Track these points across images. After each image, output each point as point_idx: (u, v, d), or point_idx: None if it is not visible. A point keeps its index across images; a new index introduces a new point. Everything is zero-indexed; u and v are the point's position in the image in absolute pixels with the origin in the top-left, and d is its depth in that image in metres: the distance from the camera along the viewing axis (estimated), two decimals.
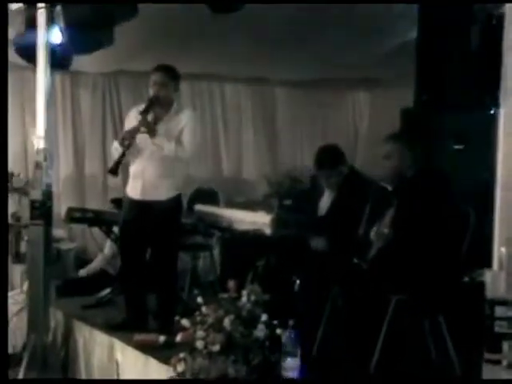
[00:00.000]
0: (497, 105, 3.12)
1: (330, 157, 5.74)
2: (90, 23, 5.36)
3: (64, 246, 8.04)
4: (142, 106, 5.74)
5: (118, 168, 5.63)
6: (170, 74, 5.76)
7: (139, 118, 5.65)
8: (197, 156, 5.85)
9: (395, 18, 6.92)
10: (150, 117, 5.66)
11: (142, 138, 5.63)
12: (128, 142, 5.59)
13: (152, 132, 5.57)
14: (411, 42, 6.97)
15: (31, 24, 5.55)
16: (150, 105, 5.67)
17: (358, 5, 6.48)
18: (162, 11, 6.32)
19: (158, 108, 5.72)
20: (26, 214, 5.61)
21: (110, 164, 5.75)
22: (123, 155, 5.60)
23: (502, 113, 3.07)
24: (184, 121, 5.74)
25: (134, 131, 5.61)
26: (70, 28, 5.42)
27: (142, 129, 5.58)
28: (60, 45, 5.57)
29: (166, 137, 5.61)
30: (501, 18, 3.22)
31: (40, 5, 5.39)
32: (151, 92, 5.74)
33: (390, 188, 5.07)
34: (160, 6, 6.19)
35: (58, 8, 5.33)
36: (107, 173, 5.89)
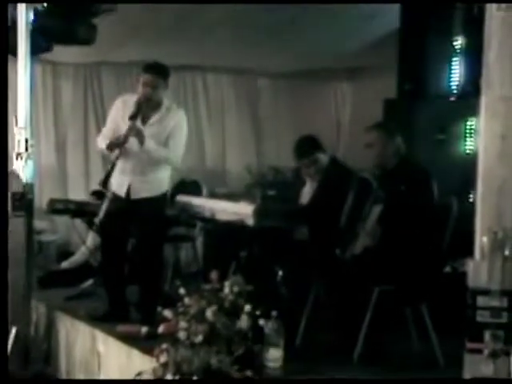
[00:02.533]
0: (477, 94, 3.11)
1: (306, 146, 5.75)
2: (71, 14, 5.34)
3: (46, 237, 8.01)
4: (128, 96, 5.71)
5: (108, 181, 5.56)
6: (161, 74, 5.62)
7: (128, 123, 5.52)
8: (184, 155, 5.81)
9: (377, 7, 6.95)
10: (138, 123, 5.59)
11: (130, 142, 5.55)
12: (118, 150, 5.51)
13: (141, 138, 5.51)
14: (394, 33, 7.04)
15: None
16: (138, 109, 5.54)
17: None
18: (146, 1, 6.32)
19: (147, 108, 5.64)
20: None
21: (92, 156, 5.72)
22: (113, 166, 5.52)
23: (483, 102, 3.07)
24: (174, 121, 5.68)
25: (124, 139, 5.50)
26: (51, 19, 5.40)
27: (131, 136, 5.51)
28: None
29: (155, 140, 5.56)
30: (481, 8, 3.21)
31: None
32: (140, 92, 5.63)
33: (370, 178, 5.07)
34: None
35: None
36: (98, 185, 5.80)
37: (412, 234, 4.83)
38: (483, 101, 3.06)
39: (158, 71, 5.63)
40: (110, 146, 5.58)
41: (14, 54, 5.46)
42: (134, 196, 5.69)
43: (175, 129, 5.67)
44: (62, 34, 5.68)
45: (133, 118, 5.53)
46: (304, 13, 7.04)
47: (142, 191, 5.69)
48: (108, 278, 5.92)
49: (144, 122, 5.63)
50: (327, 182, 5.56)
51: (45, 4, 5.33)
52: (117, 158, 5.53)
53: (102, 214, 5.96)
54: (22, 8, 5.35)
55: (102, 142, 5.70)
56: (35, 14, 5.38)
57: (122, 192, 5.72)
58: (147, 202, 5.67)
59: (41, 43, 5.84)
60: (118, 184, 5.75)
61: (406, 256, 4.79)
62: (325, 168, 5.66)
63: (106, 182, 5.57)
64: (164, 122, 5.67)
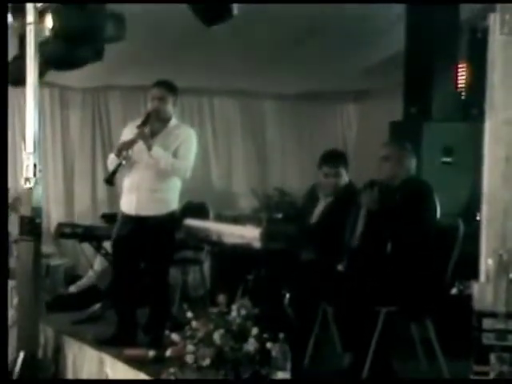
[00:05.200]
0: (482, 117, 3.13)
1: (336, 156, 5.85)
2: (78, 39, 5.38)
3: (54, 261, 8.01)
4: (139, 120, 5.75)
5: (113, 178, 5.66)
6: (169, 89, 5.76)
7: (136, 131, 5.64)
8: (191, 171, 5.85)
9: (383, 30, 6.98)
10: (146, 130, 5.66)
11: (137, 151, 5.63)
12: (125, 152, 5.59)
13: (149, 144, 5.57)
14: (400, 55, 7.07)
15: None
16: (147, 118, 5.67)
17: (347, 18, 6.53)
18: (151, 25, 6.35)
19: (156, 122, 5.73)
20: (15, 230, 5.58)
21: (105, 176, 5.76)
22: (120, 165, 5.61)
23: (488, 125, 3.08)
24: (182, 137, 5.75)
25: (131, 143, 5.61)
26: (59, 43, 5.44)
27: (139, 141, 5.58)
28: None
29: (163, 149, 5.62)
30: (485, 31, 3.24)
31: (29, 21, 5.38)
32: (150, 106, 5.75)
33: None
34: (149, 21, 6.22)
35: (48, 23, 5.33)
36: (104, 182, 5.89)
37: (418, 255, 4.84)
38: (487, 124, 3.08)
39: (167, 86, 5.75)
40: (118, 150, 5.63)
41: (20, 82, 5.49)
42: (142, 212, 5.71)
43: (184, 142, 5.75)
44: (68, 60, 5.71)
45: (141, 126, 5.61)
46: (309, 35, 7.07)
47: (150, 208, 5.71)
48: (118, 299, 5.93)
49: (153, 135, 5.68)
50: (340, 203, 5.57)
51: (51, 27, 5.35)
52: (124, 159, 5.58)
53: (113, 235, 5.98)
54: (30, 34, 5.40)
55: (111, 164, 5.75)
56: (43, 43, 5.43)
57: (130, 210, 5.76)
58: (155, 221, 5.69)
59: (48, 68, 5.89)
60: (127, 202, 5.80)
61: (413, 275, 4.80)
62: (342, 187, 5.68)
63: (111, 178, 5.64)
64: (173, 136, 5.74)
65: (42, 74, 5.61)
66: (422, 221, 4.94)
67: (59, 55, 5.69)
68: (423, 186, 5.21)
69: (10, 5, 5.29)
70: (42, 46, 5.39)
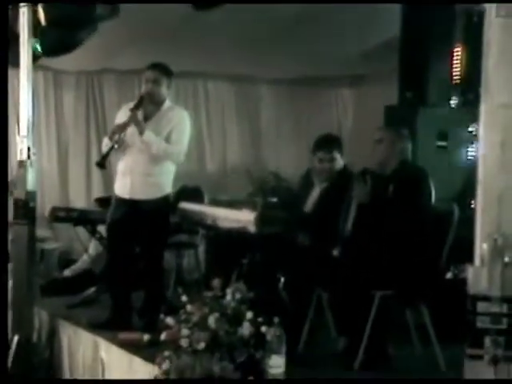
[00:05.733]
0: (478, 101, 3.12)
1: (330, 141, 5.82)
2: (71, 22, 5.35)
3: (48, 245, 8.02)
4: (132, 103, 5.74)
5: (105, 161, 5.66)
6: (163, 72, 5.75)
7: (129, 114, 5.63)
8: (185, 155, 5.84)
9: (378, 15, 6.96)
10: (139, 114, 5.65)
11: (130, 134, 5.63)
12: (117, 135, 5.58)
13: (141, 128, 5.56)
14: (395, 39, 7.06)
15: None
16: (140, 101, 5.67)
17: (343, 4, 6.50)
18: (145, 9, 6.32)
19: (149, 105, 5.72)
20: (9, 214, 5.58)
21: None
22: (112, 148, 5.61)
23: (483, 109, 3.07)
24: (175, 120, 5.74)
25: (124, 126, 5.60)
26: (52, 26, 5.41)
27: (132, 124, 5.58)
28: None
29: (156, 134, 5.61)
30: (481, 16, 3.22)
31: (22, 4, 5.36)
32: (143, 89, 5.74)
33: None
34: (143, 4, 6.19)
35: (39, 13, 5.31)
36: (95, 165, 5.89)
37: (413, 240, 4.84)
38: (482, 108, 3.07)
39: (161, 68, 5.74)
40: (111, 133, 5.63)
41: (15, 63, 5.47)
42: (136, 196, 5.70)
43: (178, 125, 5.73)
44: (64, 44, 5.69)
45: (134, 109, 5.61)
46: (304, 19, 7.04)
47: (144, 192, 5.70)
48: (113, 283, 5.94)
49: (146, 118, 5.68)
50: (335, 189, 5.56)
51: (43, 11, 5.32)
52: (116, 142, 5.57)
53: (107, 218, 5.97)
54: (23, 17, 5.38)
55: (105, 148, 5.74)
56: (36, 23, 5.40)
57: (124, 193, 5.75)
58: (149, 205, 5.69)
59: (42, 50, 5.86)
60: (121, 186, 5.79)
61: (408, 261, 4.80)
62: (337, 172, 5.67)
63: (103, 161, 5.64)
64: (166, 119, 5.72)
65: (35, 58, 5.59)
66: (418, 207, 4.94)
67: (54, 41, 5.66)
68: (418, 172, 5.20)
69: None
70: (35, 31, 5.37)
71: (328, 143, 5.75)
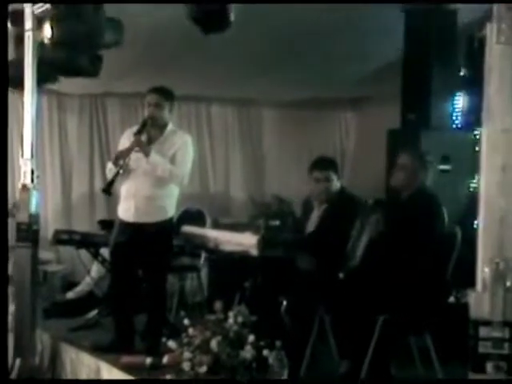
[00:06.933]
0: (480, 125, 3.14)
1: (325, 162, 5.83)
2: (77, 47, 5.39)
3: (51, 268, 8.02)
4: (136, 127, 5.76)
5: (111, 187, 5.66)
6: (165, 95, 5.77)
7: (133, 138, 5.65)
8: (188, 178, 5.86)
9: (381, 38, 6.99)
10: (143, 137, 5.68)
11: (135, 158, 5.64)
12: (122, 161, 5.60)
13: (146, 151, 5.58)
14: (398, 62, 7.08)
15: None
16: (143, 125, 5.69)
17: (345, 26, 6.53)
18: (149, 33, 6.36)
19: (152, 129, 5.75)
20: (12, 236, 5.58)
21: (102, 184, 5.76)
22: (117, 174, 5.61)
23: (485, 134, 3.09)
24: (178, 143, 5.76)
25: (128, 151, 5.62)
26: (57, 50, 5.45)
27: (136, 148, 5.60)
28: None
29: (160, 156, 5.63)
30: (482, 40, 3.24)
31: (27, 27, 5.38)
32: (146, 113, 5.76)
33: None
34: (147, 28, 6.22)
35: (46, 30, 5.33)
36: (101, 192, 5.90)
37: (418, 263, 4.84)
38: (484, 133, 3.09)
39: (162, 92, 5.76)
40: (115, 159, 5.64)
41: (19, 86, 5.49)
42: (140, 219, 5.71)
43: (181, 148, 5.75)
44: (67, 66, 5.72)
45: (138, 133, 5.63)
46: (306, 42, 7.08)
47: (148, 215, 5.71)
48: (116, 306, 5.93)
49: (149, 142, 5.71)
50: (334, 210, 5.56)
51: (49, 36, 5.35)
52: (121, 168, 5.59)
53: (111, 241, 5.97)
54: (29, 41, 5.41)
55: (109, 173, 5.75)
56: (41, 46, 5.43)
57: (128, 217, 5.76)
58: (152, 228, 5.70)
59: (47, 75, 5.89)
60: (124, 209, 5.80)
61: (411, 285, 4.79)
62: (334, 194, 5.66)
63: (108, 188, 5.64)
64: (169, 143, 5.75)
65: (42, 81, 5.62)
66: (432, 237, 4.92)
67: (58, 63, 5.69)
68: (434, 200, 5.13)
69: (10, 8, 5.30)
70: (40, 51, 5.40)
71: (323, 163, 5.76)
